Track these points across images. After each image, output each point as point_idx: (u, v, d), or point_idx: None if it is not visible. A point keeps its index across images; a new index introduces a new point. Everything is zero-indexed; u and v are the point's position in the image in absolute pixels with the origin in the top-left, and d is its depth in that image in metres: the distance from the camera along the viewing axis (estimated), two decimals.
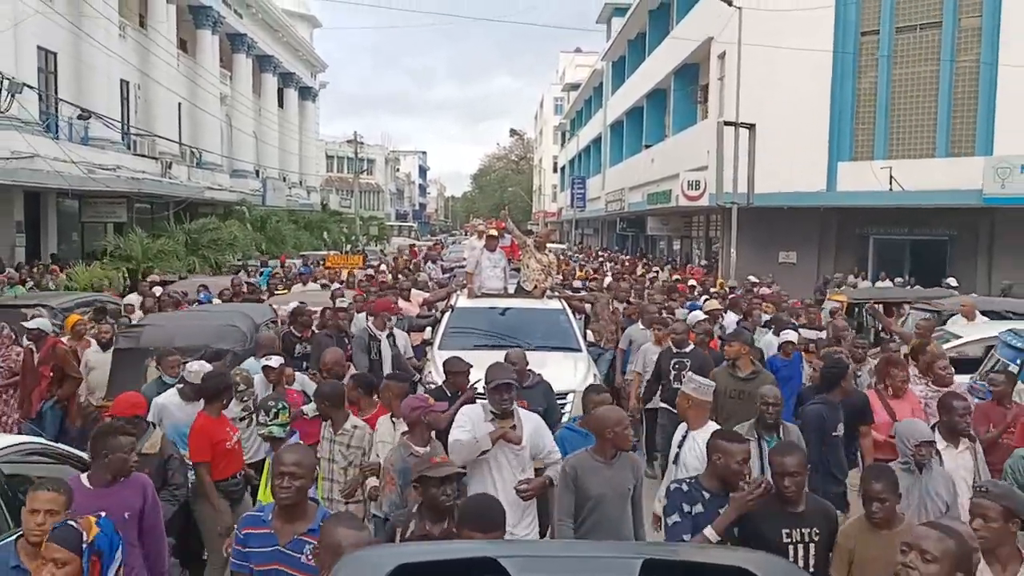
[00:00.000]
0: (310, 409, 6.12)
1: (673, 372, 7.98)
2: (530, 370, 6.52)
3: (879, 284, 17.76)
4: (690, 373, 5.77)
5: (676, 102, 29.48)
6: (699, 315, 9.73)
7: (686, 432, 5.19)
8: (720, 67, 23.49)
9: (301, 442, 5.06)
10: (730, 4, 18.99)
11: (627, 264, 24.20)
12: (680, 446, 5.15)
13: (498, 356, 7.33)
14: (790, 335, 8.79)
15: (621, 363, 9.98)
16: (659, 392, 8.36)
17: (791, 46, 19.35)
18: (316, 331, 9.09)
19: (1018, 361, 7.59)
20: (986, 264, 19.00)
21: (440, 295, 11.43)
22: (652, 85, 31.99)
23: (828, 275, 20.27)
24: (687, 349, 8.18)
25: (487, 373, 4.88)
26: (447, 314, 9.76)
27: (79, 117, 16.29)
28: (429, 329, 10.15)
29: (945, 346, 9.00)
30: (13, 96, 12.74)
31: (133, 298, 10.81)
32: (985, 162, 17.48)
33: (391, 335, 8.48)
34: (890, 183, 18.63)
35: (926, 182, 18.50)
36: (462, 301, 10.01)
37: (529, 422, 4.90)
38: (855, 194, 20.07)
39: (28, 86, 14.27)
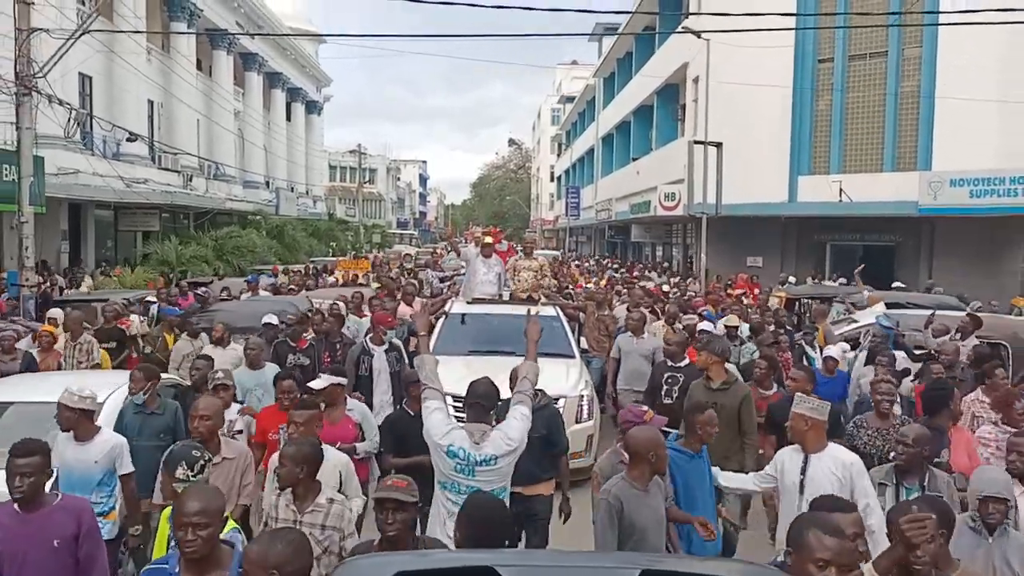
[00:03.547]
0: (364, 448, 5.85)
1: (665, 387, 7.52)
2: (540, 390, 5.76)
3: (826, 283, 20.06)
4: (799, 394, 5.10)
5: (659, 119, 31.79)
6: (704, 325, 9.71)
7: (806, 457, 4.69)
8: (695, 90, 25.85)
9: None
10: (699, 36, 21.33)
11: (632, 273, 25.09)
12: (803, 473, 4.65)
13: (493, 361, 7.55)
14: (833, 350, 8.45)
15: (613, 373, 9.58)
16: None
17: (756, 72, 21.63)
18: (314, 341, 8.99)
19: (885, 335, 9.92)
20: (927, 267, 21.32)
21: (437, 302, 11.22)
22: (638, 102, 34.31)
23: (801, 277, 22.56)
24: (682, 363, 7.68)
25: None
26: (442, 320, 9.75)
27: (128, 139, 18.64)
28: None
29: (847, 328, 11.37)
30: (79, 124, 15.00)
31: (56, 312, 10.58)
32: (920, 176, 19.84)
33: (393, 349, 8.16)
34: (839, 195, 20.98)
35: (872, 194, 20.85)
36: (457, 307, 10.06)
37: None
38: (813, 204, 22.37)
39: (93, 117, 16.55)
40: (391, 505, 3.57)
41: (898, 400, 6.67)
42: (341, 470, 4.97)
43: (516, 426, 4.36)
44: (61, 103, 14.98)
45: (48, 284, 17.10)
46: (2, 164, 15.55)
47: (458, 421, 5.92)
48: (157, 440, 5.79)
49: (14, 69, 13.76)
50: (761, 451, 6.43)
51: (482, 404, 4.58)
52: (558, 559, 2.87)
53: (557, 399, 7.22)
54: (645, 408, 5.09)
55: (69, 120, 15.18)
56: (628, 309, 11.63)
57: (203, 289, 15.05)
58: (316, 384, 5.98)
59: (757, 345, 8.95)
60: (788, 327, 10.77)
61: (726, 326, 10.20)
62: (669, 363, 7.78)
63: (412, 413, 5.85)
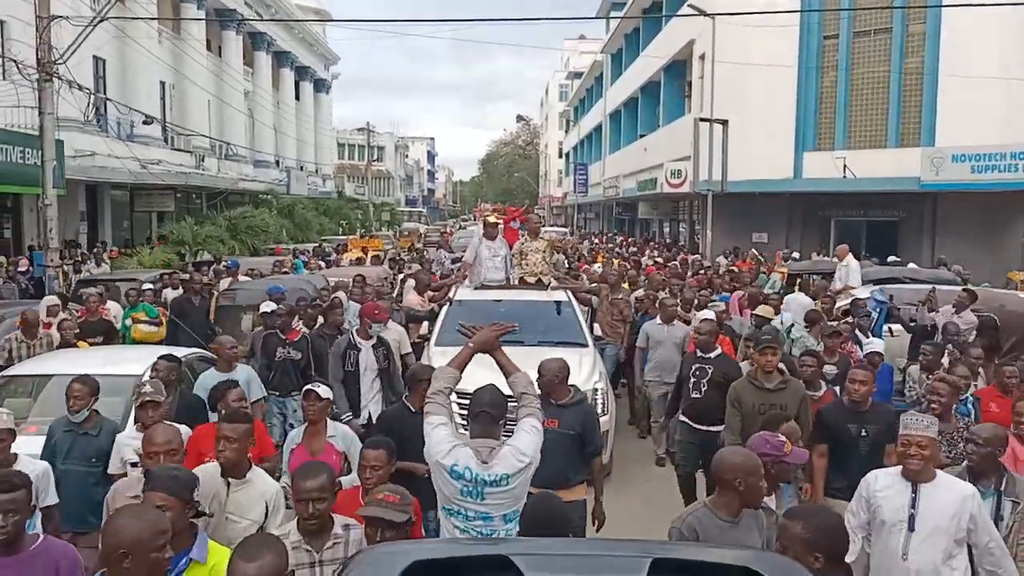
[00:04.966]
0: (350, 481, 4.66)
1: (693, 379, 6.95)
2: (573, 386, 5.59)
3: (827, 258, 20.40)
4: (914, 414, 4.32)
5: (666, 96, 31.96)
6: (708, 314, 8.77)
7: (915, 488, 3.99)
8: (701, 67, 26.05)
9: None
10: (705, 15, 21.53)
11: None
12: (914, 507, 3.97)
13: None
14: (876, 344, 7.91)
15: (640, 363, 9.05)
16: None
17: (761, 49, 21.85)
18: (307, 333, 8.42)
19: (878, 309, 10.33)
20: (930, 241, 21.69)
21: (441, 285, 10.75)
22: (645, 79, 34.40)
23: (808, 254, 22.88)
24: (712, 354, 7.02)
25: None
26: (445, 307, 9.18)
27: (144, 122, 19.10)
28: (426, 324, 9.43)
29: (844, 302, 11.76)
30: (98, 109, 15.42)
31: (54, 298, 10.00)
32: (922, 152, 20.14)
33: (381, 344, 7.30)
34: (843, 171, 21.29)
35: (876, 170, 21.17)
36: (461, 293, 9.48)
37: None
38: (817, 180, 22.71)
39: (110, 100, 16.96)
40: (381, 524, 3.36)
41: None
42: (268, 500, 4.14)
43: (528, 440, 3.84)
44: (80, 88, 15.39)
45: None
46: (25, 148, 16.02)
47: (463, 420, 5.33)
48: (88, 465, 5.05)
49: (35, 56, 14.18)
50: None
51: (489, 414, 3.97)
52: (571, 547, 2.87)
53: (588, 400, 6.47)
54: (783, 439, 4.14)
55: (88, 104, 15.58)
56: (644, 294, 11.00)
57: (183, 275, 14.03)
58: (323, 391, 5.14)
59: (819, 338, 8.03)
60: (862, 319, 9.61)
61: (757, 316, 9.29)
62: (699, 353, 7.08)
63: (413, 409, 5.23)
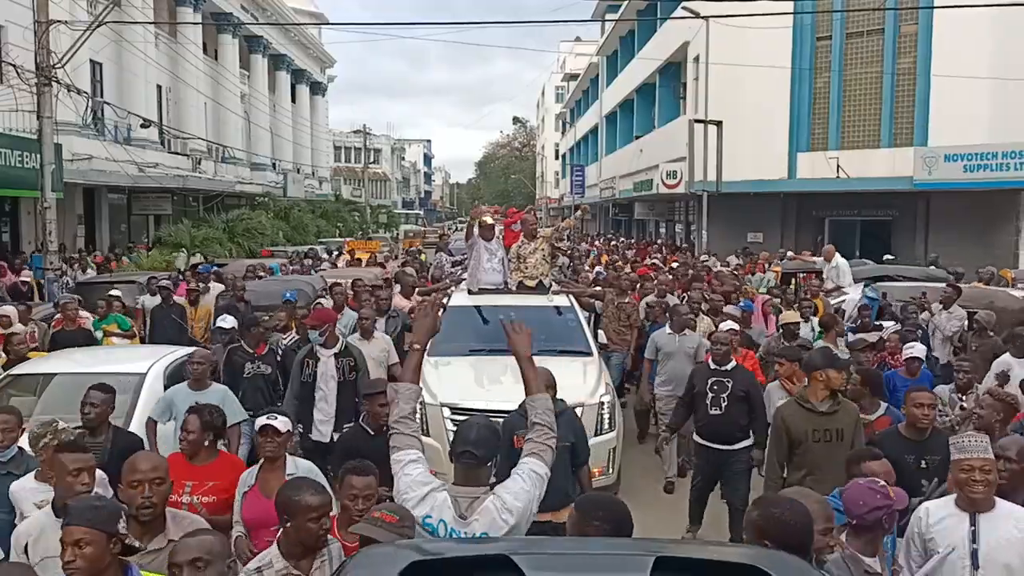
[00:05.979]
0: None
1: (711, 395, 6.46)
2: (560, 400, 5.32)
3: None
4: (965, 432, 4.08)
5: (661, 97, 32.12)
6: (730, 323, 8.14)
7: (973, 520, 3.60)
8: (695, 69, 26.21)
9: None
10: (698, 16, 21.70)
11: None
12: (975, 541, 3.58)
13: (497, 361, 7.09)
14: (917, 349, 7.25)
15: (649, 375, 8.51)
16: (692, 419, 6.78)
17: (755, 50, 21.98)
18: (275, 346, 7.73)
19: (871, 306, 10.48)
20: (923, 240, 21.86)
21: (433, 290, 10.36)
22: (640, 81, 34.56)
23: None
24: (729, 366, 6.56)
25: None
26: (439, 313, 8.56)
27: (142, 126, 19.22)
28: None
29: (835, 301, 11.92)
30: (95, 113, 15.54)
31: (10, 309, 9.49)
32: (915, 152, 20.33)
33: (346, 355, 6.75)
34: (837, 171, 21.47)
35: (869, 170, 21.34)
36: (457, 299, 9.06)
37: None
38: (811, 181, 22.85)
39: (108, 104, 17.08)
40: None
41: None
42: None
43: (520, 491, 3.21)
44: (79, 92, 15.52)
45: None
46: (23, 152, 16.11)
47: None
48: (11, 513, 4.21)
49: (34, 60, 14.31)
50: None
51: (473, 455, 3.28)
52: (572, 546, 2.77)
53: (574, 408, 6.18)
54: (883, 483, 3.53)
55: (86, 108, 15.71)
56: (655, 300, 10.41)
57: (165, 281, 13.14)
58: (281, 424, 4.40)
59: (850, 350, 7.50)
60: (909, 326, 8.91)
61: (786, 323, 8.68)
62: (713, 366, 6.63)
63: (372, 431, 5.04)
